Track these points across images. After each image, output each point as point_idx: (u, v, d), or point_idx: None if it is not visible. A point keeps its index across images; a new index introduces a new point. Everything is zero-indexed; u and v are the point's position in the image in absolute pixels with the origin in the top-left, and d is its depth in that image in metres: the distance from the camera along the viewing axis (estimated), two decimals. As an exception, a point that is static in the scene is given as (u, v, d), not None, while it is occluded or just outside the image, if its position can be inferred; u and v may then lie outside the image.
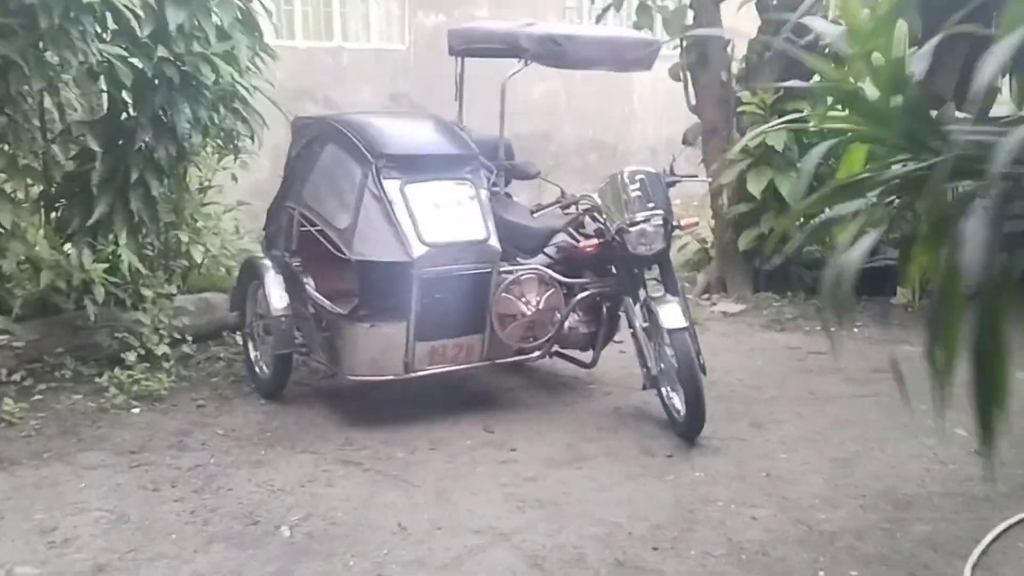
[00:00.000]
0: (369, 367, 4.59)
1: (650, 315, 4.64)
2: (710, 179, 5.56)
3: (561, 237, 5.17)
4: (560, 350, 5.23)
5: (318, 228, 4.79)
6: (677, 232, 4.88)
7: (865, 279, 6.60)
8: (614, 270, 4.94)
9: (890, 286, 7.53)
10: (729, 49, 7.52)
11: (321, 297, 4.77)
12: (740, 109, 7.10)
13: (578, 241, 5.02)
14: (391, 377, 4.61)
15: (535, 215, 5.09)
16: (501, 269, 4.74)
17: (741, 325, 6.90)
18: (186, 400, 5.09)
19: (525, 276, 4.79)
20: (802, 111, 7.11)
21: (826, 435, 4.68)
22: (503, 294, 4.73)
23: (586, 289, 4.93)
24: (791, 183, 6.99)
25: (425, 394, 5.02)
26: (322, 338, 4.78)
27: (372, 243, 4.44)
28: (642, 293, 4.73)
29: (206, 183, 6.67)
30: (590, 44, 5.09)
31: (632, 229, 4.63)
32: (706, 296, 7.66)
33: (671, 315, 4.52)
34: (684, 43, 7.51)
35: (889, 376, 5.62)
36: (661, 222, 4.65)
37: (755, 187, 7.03)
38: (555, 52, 4.85)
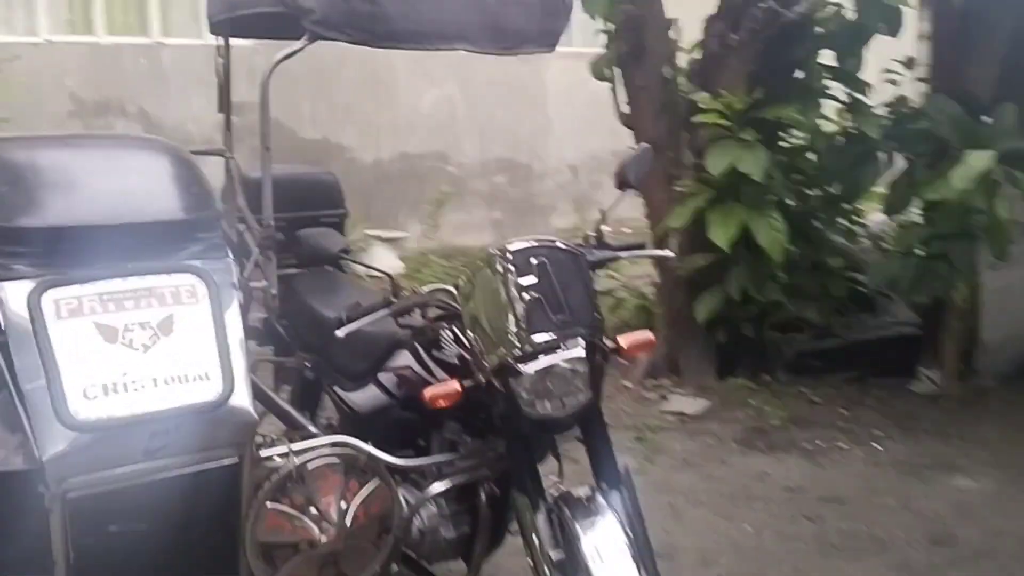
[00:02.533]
0: None
1: (565, 536, 2.33)
2: (672, 254, 3.28)
3: (404, 358, 2.83)
4: (413, 556, 2.87)
5: None
6: (616, 359, 2.55)
7: (871, 355, 4.01)
8: (498, 423, 2.60)
9: (905, 365, 5.38)
10: (673, 33, 5.29)
11: None
12: (696, 119, 4.85)
13: (428, 369, 2.69)
14: None
15: (349, 324, 2.68)
16: (282, 447, 2.36)
17: (707, 439, 4.64)
18: None
19: (316, 465, 2.40)
20: (789, 120, 4.94)
21: None
22: (269, 505, 2.34)
23: (447, 475, 2.58)
24: (772, 227, 4.77)
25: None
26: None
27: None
28: (549, 485, 2.41)
29: None
30: (436, 3, 2.69)
31: (524, 369, 2.30)
32: (652, 381, 5.41)
33: (608, 550, 2.20)
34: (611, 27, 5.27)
35: (963, 554, 3.43)
36: (581, 354, 2.32)
37: (720, 233, 4.77)
38: (363, 17, 2.49)
